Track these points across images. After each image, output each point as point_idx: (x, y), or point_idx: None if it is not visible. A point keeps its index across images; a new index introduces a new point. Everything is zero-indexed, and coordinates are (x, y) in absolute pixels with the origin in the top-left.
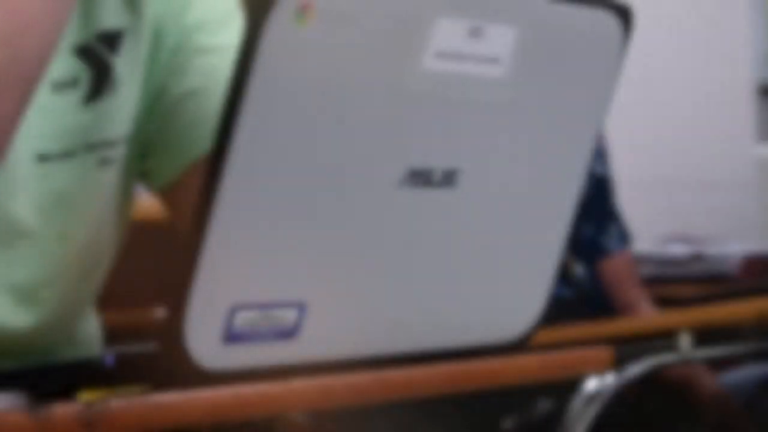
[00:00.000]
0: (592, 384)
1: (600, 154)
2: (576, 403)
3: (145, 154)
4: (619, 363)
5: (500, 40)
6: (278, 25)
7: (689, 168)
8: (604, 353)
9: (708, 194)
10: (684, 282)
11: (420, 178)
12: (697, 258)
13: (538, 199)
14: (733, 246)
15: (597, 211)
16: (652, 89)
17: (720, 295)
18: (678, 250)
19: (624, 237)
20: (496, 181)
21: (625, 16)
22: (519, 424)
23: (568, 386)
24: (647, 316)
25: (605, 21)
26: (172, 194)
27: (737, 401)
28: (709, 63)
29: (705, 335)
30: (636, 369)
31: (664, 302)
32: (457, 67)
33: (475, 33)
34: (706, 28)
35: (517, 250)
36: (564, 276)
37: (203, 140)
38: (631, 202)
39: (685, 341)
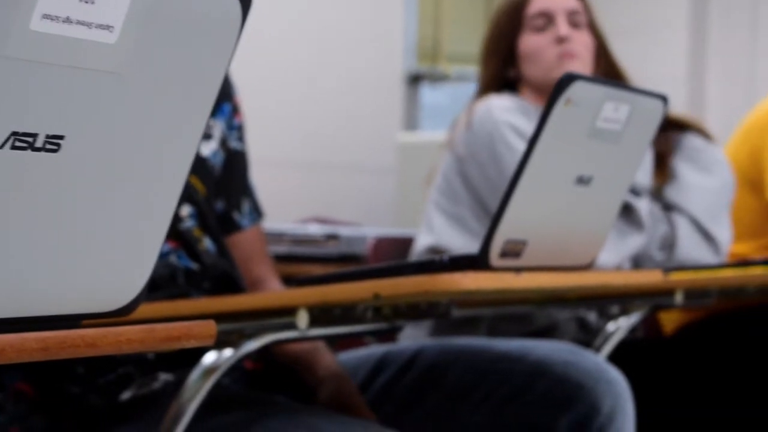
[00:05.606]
0: (209, 357)
1: (236, 129)
2: (193, 376)
3: None
4: (238, 338)
5: (113, 6)
6: None
7: (336, 152)
8: (207, 326)
9: (352, 179)
10: (318, 261)
11: (23, 141)
12: (333, 238)
13: (145, 171)
14: (368, 228)
15: (230, 186)
16: (303, 74)
17: (341, 274)
18: (314, 230)
19: (256, 213)
20: (102, 149)
21: None
22: (136, 395)
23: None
24: (269, 292)
25: None
26: None
27: (354, 380)
28: (361, 51)
29: (326, 313)
30: (253, 344)
31: (293, 281)
32: (66, 31)
33: None
34: (361, 17)
35: (121, 220)
36: (192, 249)
37: None
38: (274, 181)
39: (302, 319)
